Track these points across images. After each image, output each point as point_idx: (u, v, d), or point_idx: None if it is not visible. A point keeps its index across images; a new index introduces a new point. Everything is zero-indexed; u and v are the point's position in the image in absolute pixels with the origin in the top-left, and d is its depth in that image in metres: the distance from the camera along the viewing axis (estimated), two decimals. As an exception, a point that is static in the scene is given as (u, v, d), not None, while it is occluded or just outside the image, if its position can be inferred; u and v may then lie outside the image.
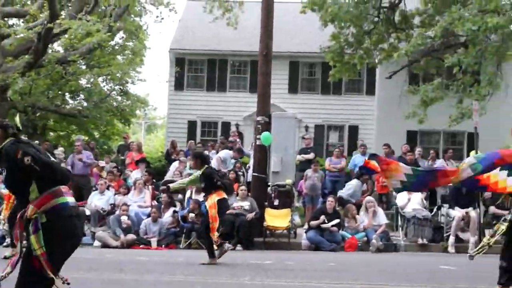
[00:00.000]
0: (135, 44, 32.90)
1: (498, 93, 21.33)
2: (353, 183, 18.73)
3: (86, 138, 28.04)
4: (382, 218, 16.85)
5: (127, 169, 20.35)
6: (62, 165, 13.85)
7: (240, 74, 30.81)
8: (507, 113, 27.37)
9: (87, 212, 16.90)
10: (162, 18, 30.83)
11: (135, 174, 19.19)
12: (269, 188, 17.54)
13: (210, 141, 24.83)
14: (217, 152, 20.60)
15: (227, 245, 12.19)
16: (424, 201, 17.78)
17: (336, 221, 16.22)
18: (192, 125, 30.37)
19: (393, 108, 25.44)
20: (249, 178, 18.22)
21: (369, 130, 29.15)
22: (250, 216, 16.15)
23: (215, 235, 11.82)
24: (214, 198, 11.95)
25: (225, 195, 12.36)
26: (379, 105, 28.70)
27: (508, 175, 7.67)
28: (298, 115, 26.72)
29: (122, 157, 21.83)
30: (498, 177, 7.68)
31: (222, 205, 12.14)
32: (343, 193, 18.49)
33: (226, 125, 28.77)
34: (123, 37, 32.65)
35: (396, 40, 24.44)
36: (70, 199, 5.20)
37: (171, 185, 13.85)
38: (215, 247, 11.91)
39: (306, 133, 25.22)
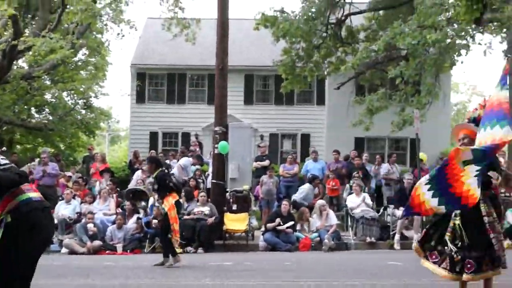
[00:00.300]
0: (97, 60, 32.57)
1: (436, 102, 21.63)
2: (305, 187, 18.85)
3: (52, 150, 27.65)
4: (333, 219, 16.96)
5: (92, 179, 20.13)
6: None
7: (198, 87, 30.69)
8: (444, 120, 27.91)
9: (55, 221, 16.69)
10: (123, 35, 30.71)
11: (100, 184, 18.99)
12: (227, 194, 17.54)
13: (171, 150, 24.66)
14: (178, 161, 20.53)
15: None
16: (371, 203, 17.96)
17: (291, 223, 16.29)
18: (153, 136, 30.13)
19: (341, 117, 25.69)
20: (209, 185, 18.18)
21: (320, 138, 29.34)
22: (210, 220, 16.14)
23: (178, 237, 11.76)
24: (170, 200, 11.89)
25: (178, 197, 12.34)
26: (328, 114, 28.92)
27: None
28: (253, 125, 26.78)
29: (87, 168, 21.58)
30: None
31: (178, 206, 12.11)
32: (296, 196, 18.60)
33: (186, 136, 28.65)
34: (85, 53, 32.31)
35: (343, 53, 24.62)
36: (33, 195, 5.19)
37: None
38: (176, 245, 11.81)
39: (261, 141, 25.25)
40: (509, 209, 16.86)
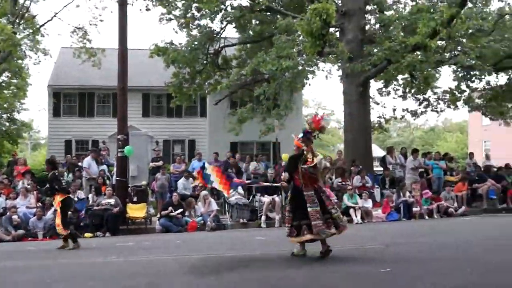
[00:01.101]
0: (18, 81, 31.33)
1: (291, 114, 22.20)
2: (180, 181, 18.61)
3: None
4: (214, 206, 17.04)
5: (15, 179, 19.22)
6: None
7: (104, 103, 30.15)
8: (298, 128, 28.67)
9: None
10: (40, 61, 29.71)
11: (22, 183, 18.16)
12: (129, 188, 17.32)
13: (83, 155, 23.95)
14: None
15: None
16: (243, 192, 18.20)
17: (180, 210, 16.27)
18: (68, 143, 29.34)
19: (219, 126, 25.95)
20: (114, 182, 17.84)
21: (203, 142, 29.52)
22: (115, 210, 15.86)
23: (60, 229, 11.41)
24: (58, 199, 11.59)
25: (68, 195, 12.08)
26: (209, 124, 29.13)
27: None
28: (150, 133, 26.44)
29: (11, 170, 20.57)
30: None
31: (66, 203, 11.74)
32: (179, 190, 18.47)
33: (95, 143, 27.91)
34: (8, 75, 30.96)
35: (219, 77, 24.86)
36: None
37: None
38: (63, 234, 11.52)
39: (156, 146, 24.92)
40: (345, 194, 17.65)
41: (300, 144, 8.95)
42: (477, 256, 8.60)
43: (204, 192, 17.37)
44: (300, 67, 20.51)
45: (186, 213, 16.57)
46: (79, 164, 19.89)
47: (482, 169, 21.65)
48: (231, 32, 27.33)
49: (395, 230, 13.76)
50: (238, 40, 25.81)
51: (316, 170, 8.66)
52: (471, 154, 23.70)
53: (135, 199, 17.06)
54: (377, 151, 47.24)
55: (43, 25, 27.75)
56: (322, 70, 27.40)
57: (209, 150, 26.13)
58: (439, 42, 20.27)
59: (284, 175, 9.61)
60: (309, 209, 8.50)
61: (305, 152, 8.77)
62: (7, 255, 11.35)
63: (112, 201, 16.19)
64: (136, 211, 16.72)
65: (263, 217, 16.82)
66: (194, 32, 24.08)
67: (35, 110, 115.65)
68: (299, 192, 8.69)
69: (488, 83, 24.75)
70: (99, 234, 15.45)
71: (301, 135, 9.03)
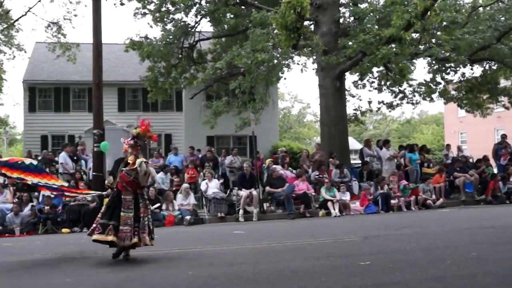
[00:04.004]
0: (-7, 77, 30.88)
1: (267, 108, 22.14)
2: (158, 175, 18.53)
3: None
4: (192, 200, 16.95)
5: (-10, 175, 18.84)
6: None
7: (80, 98, 29.74)
8: (274, 121, 28.73)
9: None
10: (14, 57, 29.17)
11: (-1, 179, 17.83)
12: (105, 183, 17.02)
13: (59, 150, 23.57)
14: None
15: None
16: (220, 186, 18.10)
17: (158, 204, 16.09)
18: (44, 138, 28.94)
19: (195, 120, 25.78)
20: (91, 177, 17.58)
21: (180, 136, 29.29)
22: (92, 205, 15.63)
23: None
24: None
25: None
26: (186, 118, 28.92)
27: None
28: (125, 128, 26.21)
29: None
30: None
31: None
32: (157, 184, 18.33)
33: (71, 138, 27.61)
34: (-17, 71, 30.49)
35: (195, 71, 24.69)
36: None
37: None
38: None
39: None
40: (322, 187, 17.64)
41: (127, 148, 9.04)
42: (456, 247, 8.63)
43: (185, 185, 17.27)
44: (275, 61, 20.40)
45: (164, 207, 16.40)
46: (56, 159, 19.58)
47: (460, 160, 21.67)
48: (205, 26, 27.17)
49: (373, 223, 13.80)
50: (212, 34, 25.64)
51: (137, 174, 8.67)
52: (448, 146, 23.88)
53: (113, 195, 16.82)
54: (354, 144, 47.48)
55: (17, 20, 27.55)
56: (297, 63, 27.44)
57: (186, 144, 25.94)
58: (413, 35, 20.33)
59: (109, 178, 9.55)
60: (122, 213, 8.52)
61: (128, 155, 8.92)
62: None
63: (88, 196, 15.97)
64: (112, 207, 16.48)
65: (240, 211, 16.74)
66: (169, 26, 23.86)
67: (10, 105, 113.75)
68: (118, 194, 8.74)
69: (463, 75, 24.96)
70: (76, 230, 15.31)
71: (129, 139, 9.12)
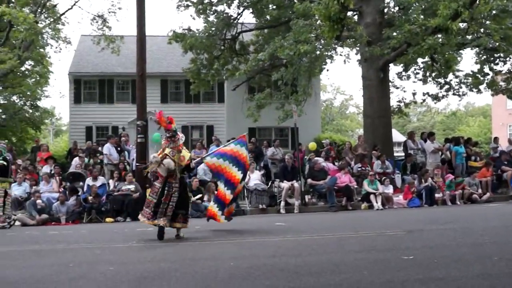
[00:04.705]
0: (41, 69, 31.59)
1: (310, 99, 22.02)
2: (200, 167, 18.58)
3: (6, 141, 26.59)
4: (234, 191, 16.97)
5: (38, 165, 19.41)
6: None
7: (124, 90, 30.25)
8: (316, 113, 28.54)
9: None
10: (61, 49, 29.93)
11: (45, 169, 18.34)
12: (148, 174, 17.24)
13: (102, 141, 24.07)
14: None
15: None
16: (262, 177, 18.11)
17: (199, 195, 16.22)
18: (89, 129, 29.52)
19: (237, 112, 25.80)
20: (134, 168, 17.86)
21: (221, 128, 29.38)
22: (135, 195, 15.89)
23: None
24: None
25: None
26: (227, 109, 29.00)
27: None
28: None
29: (35, 156, 20.77)
30: None
31: None
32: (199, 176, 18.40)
33: (115, 129, 28.09)
34: (31, 64, 31.26)
35: (237, 62, 24.75)
36: None
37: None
38: None
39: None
40: (365, 180, 17.46)
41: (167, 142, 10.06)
42: (504, 243, 8.36)
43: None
44: (318, 52, 20.27)
45: (205, 198, 16.51)
46: (100, 150, 19.99)
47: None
48: (248, 18, 27.15)
49: (417, 217, 13.56)
50: (255, 26, 25.61)
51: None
52: (496, 139, 23.15)
53: (157, 184, 17.01)
54: (397, 136, 46.75)
55: (63, 13, 28.22)
56: (340, 54, 27.14)
57: (227, 135, 25.98)
58: (460, 24, 19.84)
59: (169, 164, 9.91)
60: (148, 197, 10.02)
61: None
62: (31, 239, 11.36)
63: (132, 187, 16.28)
64: (155, 196, 16.68)
65: (282, 203, 16.73)
66: (211, 18, 23.97)
67: (57, 97, 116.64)
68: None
69: (513, 65, 24.18)
70: (119, 219, 15.63)
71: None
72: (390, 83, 23.29)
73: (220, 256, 7.88)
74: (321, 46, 20.48)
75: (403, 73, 25.24)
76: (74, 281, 6.15)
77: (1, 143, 14.08)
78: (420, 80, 25.12)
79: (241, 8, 24.16)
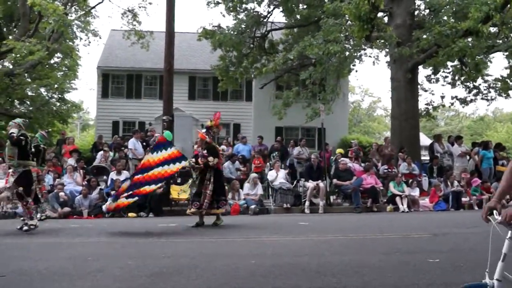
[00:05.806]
0: (69, 62, 31.81)
1: (338, 99, 21.83)
2: (225, 165, 18.53)
3: (33, 135, 26.77)
4: (259, 189, 16.90)
5: (63, 157, 19.54)
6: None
7: (151, 85, 30.26)
8: (344, 114, 28.27)
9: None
10: (90, 43, 30.06)
11: (70, 161, 18.44)
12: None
13: (129, 136, 24.16)
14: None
15: None
16: (287, 176, 17.98)
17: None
18: (115, 124, 29.57)
19: (265, 110, 25.67)
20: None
21: (249, 126, 29.27)
22: (159, 191, 15.84)
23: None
24: None
25: None
26: (255, 108, 28.89)
27: None
28: (195, 116, 26.55)
29: (60, 149, 20.89)
30: None
31: None
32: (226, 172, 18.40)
33: (141, 124, 28.17)
34: (60, 56, 31.47)
35: (266, 61, 24.66)
36: None
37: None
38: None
39: (201, 129, 24.99)
40: (391, 181, 17.19)
41: (204, 136, 11.41)
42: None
43: (254, 174, 17.25)
44: (347, 53, 20.08)
45: (230, 196, 16.45)
46: (125, 144, 20.05)
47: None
48: (278, 16, 27.08)
49: (443, 220, 13.27)
50: (285, 24, 25.50)
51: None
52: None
53: (178, 180, 17.00)
54: (424, 140, 46.10)
55: (94, 7, 28.14)
56: (370, 55, 26.87)
57: (254, 134, 25.92)
58: (491, 28, 19.44)
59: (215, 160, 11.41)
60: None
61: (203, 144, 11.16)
62: (52, 231, 11.40)
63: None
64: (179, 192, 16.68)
65: (307, 203, 16.57)
66: (241, 15, 23.94)
67: (85, 91, 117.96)
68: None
69: (544, 71, 23.65)
70: (142, 214, 15.50)
71: (204, 130, 11.73)
72: (418, 86, 22.96)
73: (242, 253, 7.78)
74: (350, 47, 20.30)
75: (432, 76, 24.88)
76: (91, 275, 6.08)
77: (42, 131, 13.97)
78: (449, 83, 24.74)
79: (271, 7, 24.11)
